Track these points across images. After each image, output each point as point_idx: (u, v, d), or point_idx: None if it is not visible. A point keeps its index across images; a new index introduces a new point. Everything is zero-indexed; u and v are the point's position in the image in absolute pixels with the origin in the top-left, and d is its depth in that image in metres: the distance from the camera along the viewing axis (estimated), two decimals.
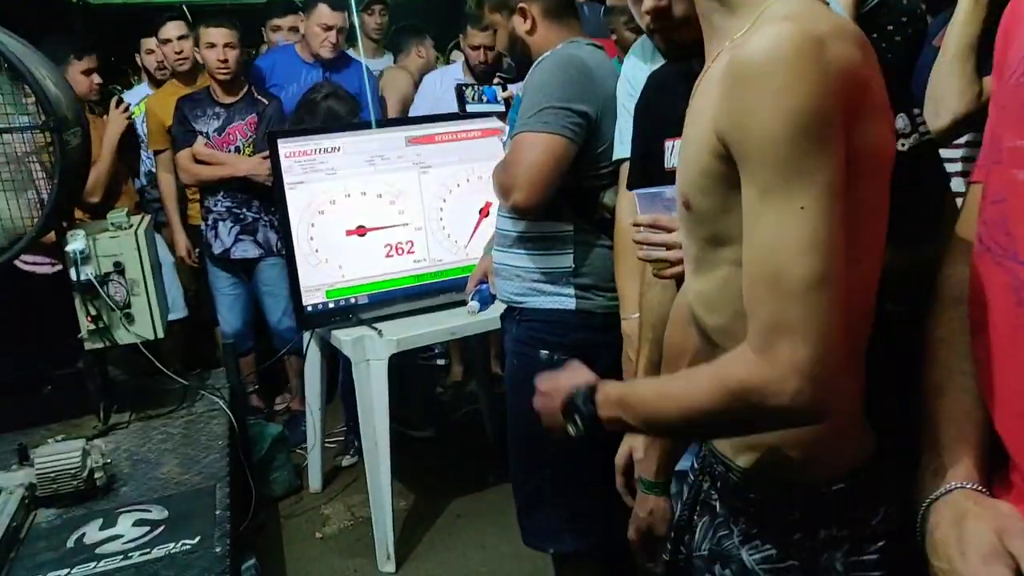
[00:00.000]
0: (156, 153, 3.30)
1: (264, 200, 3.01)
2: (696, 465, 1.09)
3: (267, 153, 2.54)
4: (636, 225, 1.35)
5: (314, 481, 2.80)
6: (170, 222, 3.32)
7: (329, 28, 3.16)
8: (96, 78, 2.95)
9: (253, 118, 3.05)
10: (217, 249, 3.11)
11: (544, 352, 1.80)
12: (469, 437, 3.23)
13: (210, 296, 3.31)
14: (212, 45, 2.95)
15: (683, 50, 1.12)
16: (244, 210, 3.09)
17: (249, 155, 3.03)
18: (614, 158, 1.69)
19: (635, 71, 1.63)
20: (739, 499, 0.96)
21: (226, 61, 2.96)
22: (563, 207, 1.75)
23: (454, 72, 3.36)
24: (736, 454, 0.96)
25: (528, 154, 1.64)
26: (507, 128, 2.10)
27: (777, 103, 0.73)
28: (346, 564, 2.39)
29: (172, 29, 3.26)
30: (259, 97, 3.08)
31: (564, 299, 1.78)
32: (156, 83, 3.49)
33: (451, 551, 2.45)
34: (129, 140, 2.92)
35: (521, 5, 1.74)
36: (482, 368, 3.27)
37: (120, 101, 2.89)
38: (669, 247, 1.32)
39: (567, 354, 1.79)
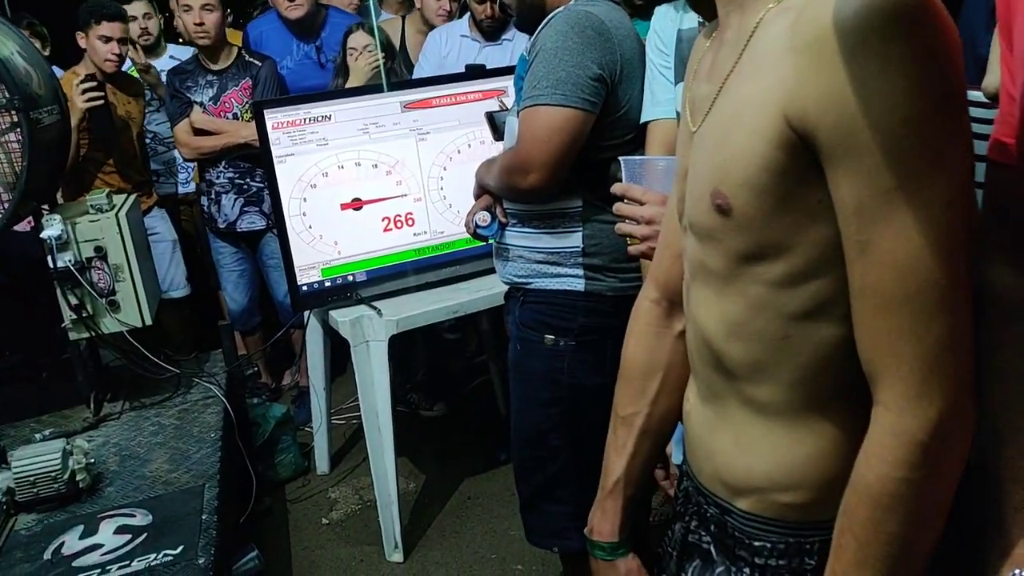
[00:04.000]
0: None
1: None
2: (679, 496, 0.95)
3: None
4: (613, 195, 1.27)
5: (321, 463, 2.72)
6: None
7: None
8: (115, 47, 2.80)
9: (247, 82, 2.89)
10: (222, 223, 2.99)
11: (550, 337, 1.67)
12: (480, 410, 3.13)
13: (215, 270, 3.21)
14: (188, 8, 2.77)
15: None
16: (248, 180, 2.96)
17: (248, 120, 2.87)
18: (643, 120, 1.52)
19: (664, 24, 1.45)
20: (741, 547, 0.81)
21: (202, 24, 2.78)
22: (571, 181, 1.58)
23: (459, 28, 3.14)
24: (734, 495, 0.81)
25: (544, 130, 1.47)
26: (512, 92, 1.93)
27: (910, 72, 0.58)
28: (352, 553, 2.32)
29: (137, 8, 3.23)
30: (251, 60, 2.91)
31: (572, 280, 1.63)
32: (144, 50, 3.33)
33: (461, 536, 2.37)
34: (101, 120, 2.76)
35: None
36: (492, 334, 3.13)
37: (84, 81, 2.70)
38: (638, 221, 1.23)
39: (574, 340, 1.67)
